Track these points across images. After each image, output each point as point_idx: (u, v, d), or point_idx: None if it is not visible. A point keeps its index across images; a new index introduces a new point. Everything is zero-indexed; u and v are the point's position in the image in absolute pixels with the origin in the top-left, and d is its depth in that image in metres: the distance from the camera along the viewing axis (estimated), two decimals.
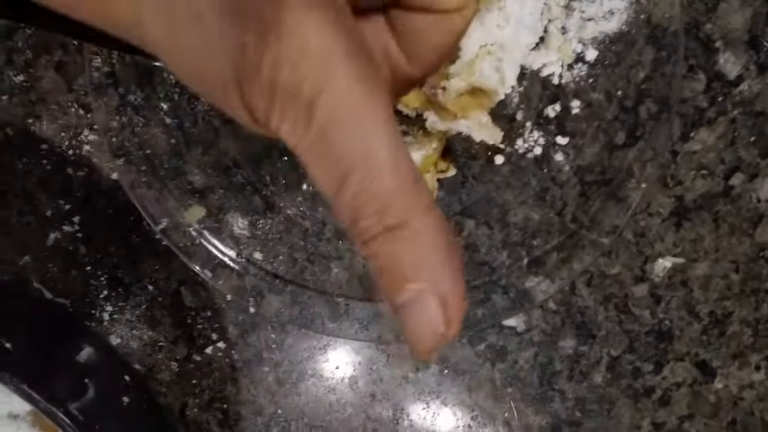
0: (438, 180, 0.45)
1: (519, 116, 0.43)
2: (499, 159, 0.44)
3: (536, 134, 0.43)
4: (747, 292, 0.47)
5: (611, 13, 0.41)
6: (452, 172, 0.44)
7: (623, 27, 0.41)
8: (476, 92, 0.37)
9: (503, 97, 0.39)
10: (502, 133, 0.41)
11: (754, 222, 0.46)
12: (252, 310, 0.46)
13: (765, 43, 0.44)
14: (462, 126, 0.39)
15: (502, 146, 0.44)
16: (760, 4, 0.44)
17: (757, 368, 0.48)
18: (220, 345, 0.49)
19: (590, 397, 0.49)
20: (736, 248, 0.46)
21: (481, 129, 0.38)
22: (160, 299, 0.49)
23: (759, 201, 0.45)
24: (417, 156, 0.41)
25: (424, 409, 0.50)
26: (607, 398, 0.49)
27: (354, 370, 0.49)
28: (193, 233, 0.44)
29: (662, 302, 0.47)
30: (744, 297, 0.47)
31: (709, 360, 0.48)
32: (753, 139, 0.45)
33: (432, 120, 0.39)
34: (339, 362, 0.50)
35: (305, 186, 0.45)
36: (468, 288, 0.44)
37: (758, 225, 0.46)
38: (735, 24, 0.45)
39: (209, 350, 0.49)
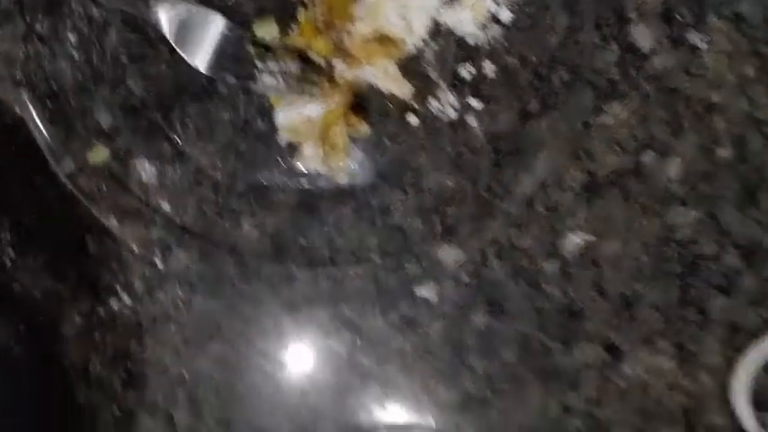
0: (351, 138, 0.43)
1: (433, 75, 0.42)
2: (413, 119, 0.42)
3: (450, 96, 0.42)
4: (657, 274, 0.46)
5: None
6: (365, 129, 0.43)
7: None
8: (383, 40, 0.36)
9: (413, 50, 0.38)
10: (412, 87, 0.40)
11: (665, 202, 0.45)
12: (159, 264, 0.44)
13: (679, 17, 0.43)
14: (368, 74, 0.38)
15: (415, 105, 0.42)
16: None
17: (666, 354, 0.47)
18: (126, 300, 0.48)
19: (499, 374, 0.48)
20: (646, 229, 0.46)
21: (388, 78, 0.37)
22: (64, 246, 0.47)
23: (669, 180, 0.45)
24: (321, 108, 0.39)
25: (334, 378, 0.49)
26: (516, 376, 0.48)
27: (264, 334, 0.48)
28: (100, 177, 0.42)
29: (572, 280, 0.46)
30: (653, 280, 0.46)
31: (619, 343, 0.47)
32: (664, 115, 0.44)
33: (340, 68, 0.38)
34: (248, 325, 0.48)
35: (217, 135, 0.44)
36: (381, 254, 0.43)
37: (668, 206, 0.45)
38: None
39: (114, 304, 0.48)
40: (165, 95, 0.44)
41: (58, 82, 0.42)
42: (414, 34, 0.37)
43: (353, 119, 0.43)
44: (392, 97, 0.41)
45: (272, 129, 0.44)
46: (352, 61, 0.38)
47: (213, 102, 0.44)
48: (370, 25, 0.36)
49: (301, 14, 0.40)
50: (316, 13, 0.39)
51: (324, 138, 0.41)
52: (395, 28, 0.37)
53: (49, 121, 0.42)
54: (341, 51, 0.38)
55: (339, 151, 0.41)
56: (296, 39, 0.40)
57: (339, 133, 0.41)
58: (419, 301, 0.48)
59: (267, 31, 0.41)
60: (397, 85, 0.38)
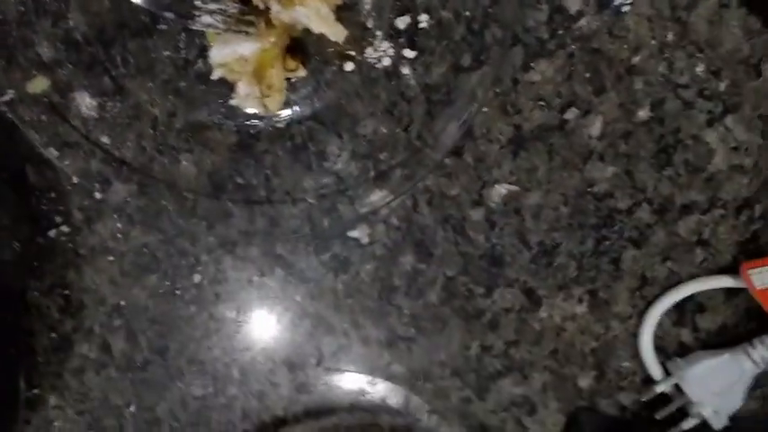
0: (288, 80, 0.44)
1: (370, 24, 0.43)
2: (349, 66, 0.44)
3: (386, 45, 0.44)
4: (574, 225, 0.48)
5: None
6: (302, 73, 0.44)
7: None
8: None
9: None
10: (345, 32, 0.41)
11: (585, 158, 0.47)
12: (98, 195, 0.45)
13: None
14: (301, 15, 0.39)
15: (352, 52, 0.44)
16: None
17: (580, 301, 0.50)
18: (64, 229, 0.49)
19: (424, 314, 0.50)
20: (566, 182, 0.48)
21: (320, 20, 0.38)
22: (4, 175, 0.47)
23: (590, 137, 0.47)
24: (255, 47, 0.40)
25: (267, 313, 0.50)
26: (440, 317, 0.50)
27: (200, 268, 0.50)
28: (40, 108, 0.43)
29: (496, 228, 0.49)
30: (571, 230, 0.49)
31: (536, 288, 0.50)
32: (588, 75, 0.46)
33: (275, 9, 0.39)
34: (185, 259, 0.49)
35: (157, 72, 0.45)
36: (316, 196, 0.44)
37: (588, 161, 0.47)
38: None
39: (52, 233, 0.49)
40: (106, 30, 0.45)
41: (0, 12, 0.42)
42: None
43: (290, 61, 0.44)
44: (328, 42, 0.42)
45: (212, 69, 0.45)
46: (286, 3, 0.39)
47: (154, 39, 0.45)
48: None
49: None
50: None
51: (259, 78, 0.42)
52: None
53: None
54: None
55: (275, 92, 0.42)
56: None
57: (275, 75, 0.42)
58: (351, 242, 0.50)
59: None
60: (329, 28, 0.39)
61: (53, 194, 0.49)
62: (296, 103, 0.46)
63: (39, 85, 0.42)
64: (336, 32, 0.40)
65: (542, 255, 0.50)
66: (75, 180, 0.46)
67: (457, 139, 0.44)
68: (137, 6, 0.42)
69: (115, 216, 0.49)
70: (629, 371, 0.52)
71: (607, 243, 0.50)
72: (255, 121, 0.46)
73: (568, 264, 0.50)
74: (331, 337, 0.51)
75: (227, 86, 0.46)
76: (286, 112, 0.46)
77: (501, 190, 0.49)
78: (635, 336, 0.51)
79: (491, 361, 0.51)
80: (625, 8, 0.46)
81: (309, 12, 0.38)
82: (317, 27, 0.39)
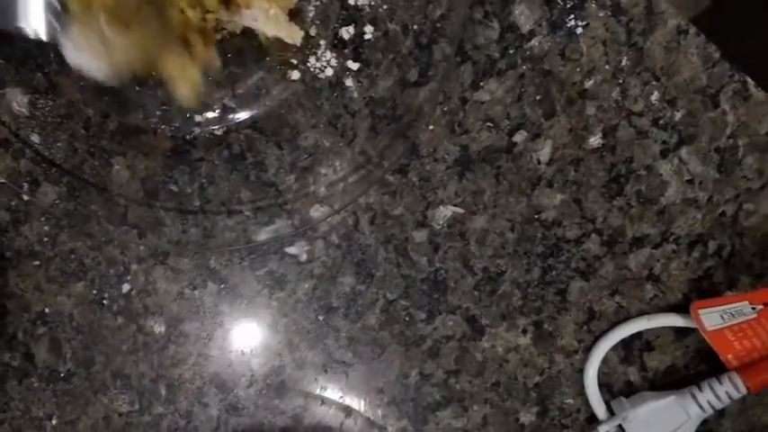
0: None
1: (313, 32, 0.43)
2: (294, 75, 0.44)
3: (329, 54, 0.44)
4: (520, 253, 0.48)
5: None
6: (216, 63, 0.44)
7: None
8: None
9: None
10: (302, 32, 0.41)
11: (533, 183, 0.48)
12: (25, 197, 0.45)
13: (559, 1, 0.45)
14: (250, 19, 0.39)
15: (294, 60, 0.44)
16: None
17: (524, 332, 0.50)
18: None
19: (362, 338, 0.50)
20: (513, 207, 0.48)
21: (269, 22, 0.38)
22: None
23: (539, 162, 0.47)
24: None
25: (197, 328, 0.50)
26: (379, 341, 0.50)
27: (129, 278, 0.49)
28: None
29: (440, 251, 0.49)
30: (516, 258, 0.49)
31: (479, 317, 0.50)
32: (539, 97, 0.46)
33: (224, 15, 0.39)
34: (113, 267, 0.49)
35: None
36: (253, 208, 0.44)
37: (536, 187, 0.48)
38: None
39: None
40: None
41: None
42: None
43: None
44: (271, 48, 0.42)
45: (149, 71, 0.45)
46: (234, 7, 0.39)
47: None
48: None
49: None
50: None
51: None
52: None
53: None
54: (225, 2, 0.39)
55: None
56: None
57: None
58: (288, 259, 0.50)
59: None
60: (283, 31, 0.39)
61: None
62: (234, 110, 0.46)
63: None
64: (292, 34, 0.40)
65: (486, 281, 0.50)
66: (1, 180, 0.46)
67: (402, 156, 0.44)
68: None
69: (43, 219, 0.49)
70: (573, 408, 0.51)
71: (554, 273, 0.50)
72: (192, 127, 0.46)
73: (513, 292, 0.50)
74: (264, 357, 0.50)
75: (164, 90, 0.45)
76: (224, 120, 0.46)
77: (446, 212, 0.49)
78: (580, 372, 0.51)
79: (430, 391, 0.51)
80: (578, 30, 0.46)
81: (258, 14, 0.38)
82: (270, 30, 0.39)
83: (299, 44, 0.42)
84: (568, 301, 0.50)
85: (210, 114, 0.46)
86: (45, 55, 0.45)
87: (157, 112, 0.46)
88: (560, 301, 0.50)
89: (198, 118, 0.46)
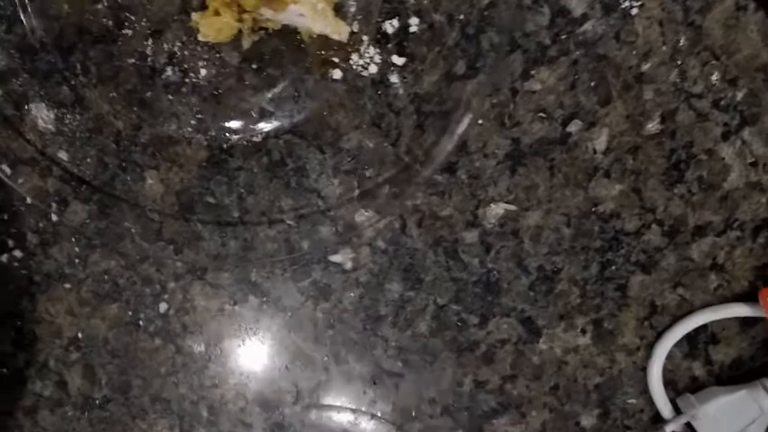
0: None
1: (356, 28, 0.42)
2: (336, 74, 0.42)
3: (372, 50, 0.42)
4: (577, 248, 0.47)
5: None
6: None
7: None
8: None
9: None
10: (348, 28, 0.40)
11: (589, 174, 0.46)
12: (54, 217, 0.43)
13: None
14: (296, 15, 0.37)
15: (336, 59, 0.42)
16: None
17: (583, 332, 0.48)
18: (17, 254, 0.47)
19: (413, 347, 0.48)
20: (569, 201, 0.46)
21: (318, 17, 0.37)
22: None
23: (595, 152, 0.46)
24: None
25: (239, 346, 0.48)
26: (430, 349, 0.48)
27: (166, 296, 0.48)
28: None
29: (492, 251, 0.47)
30: (573, 254, 0.47)
31: (535, 318, 0.48)
32: (593, 84, 0.45)
33: (268, 16, 0.38)
34: (149, 286, 0.48)
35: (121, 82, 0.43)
36: (294, 217, 0.42)
37: (593, 178, 0.46)
38: None
39: (3, 258, 0.47)
40: (65, 36, 0.43)
41: None
42: None
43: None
44: (311, 47, 0.40)
45: (182, 78, 0.43)
46: (279, 4, 0.37)
47: (118, 45, 0.43)
48: None
49: None
50: None
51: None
52: None
53: None
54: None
55: None
56: None
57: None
58: (333, 268, 0.49)
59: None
60: (331, 26, 0.38)
61: (5, 216, 0.47)
62: (273, 115, 0.44)
63: None
64: (339, 30, 0.39)
65: (542, 281, 0.48)
66: (29, 200, 0.46)
67: (450, 154, 0.43)
68: (99, 9, 0.41)
69: (73, 239, 0.47)
70: (635, 408, 0.50)
71: (613, 268, 0.48)
72: (229, 135, 0.44)
73: (570, 291, 0.48)
74: (310, 372, 0.49)
75: (199, 97, 0.44)
76: (262, 125, 0.44)
77: (497, 210, 0.47)
78: (643, 370, 0.50)
79: (485, 398, 0.50)
80: (634, 11, 0.45)
81: (305, 9, 0.37)
82: (317, 26, 0.38)
83: (345, 40, 0.41)
84: (629, 296, 0.49)
85: (248, 120, 0.44)
86: (71, 67, 0.44)
87: (192, 121, 0.45)
88: (620, 296, 0.49)
89: (235, 124, 0.44)
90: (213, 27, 0.41)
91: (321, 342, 0.49)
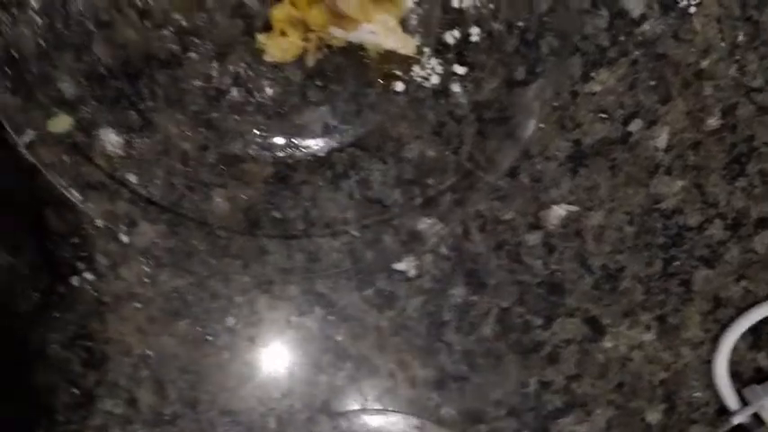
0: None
1: (417, 40, 0.43)
2: (399, 86, 0.43)
3: (434, 62, 0.44)
4: (640, 246, 0.48)
5: None
6: None
7: None
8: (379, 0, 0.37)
9: (411, 5, 0.38)
10: (415, 42, 0.41)
11: (651, 172, 0.47)
12: (124, 238, 0.45)
13: None
14: (367, 33, 0.38)
15: (399, 72, 0.43)
16: None
17: (647, 328, 0.49)
18: (88, 276, 0.48)
19: (477, 350, 0.49)
20: (631, 199, 0.47)
21: (389, 34, 0.38)
22: (22, 220, 0.47)
23: (656, 150, 0.47)
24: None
25: (306, 356, 0.50)
26: (495, 352, 0.49)
27: (234, 311, 0.49)
28: (61, 148, 0.43)
29: (555, 253, 0.48)
30: (636, 252, 0.48)
31: (599, 317, 0.49)
32: (653, 83, 0.46)
33: (337, 34, 0.39)
34: (217, 302, 0.49)
35: (187, 104, 0.44)
36: (358, 227, 0.43)
37: (654, 175, 0.47)
38: None
39: (74, 281, 0.48)
40: (132, 62, 0.44)
41: (18, 49, 0.42)
42: None
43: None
44: (373, 62, 0.42)
45: (247, 98, 0.44)
46: (350, 23, 0.39)
47: (183, 69, 0.45)
48: None
49: None
50: None
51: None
52: None
53: (9, 89, 0.42)
54: (336, 16, 0.39)
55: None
56: (288, 11, 0.40)
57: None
58: (396, 276, 0.50)
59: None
60: (399, 40, 0.39)
61: (75, 239, 0.48)
62: (336, 129, 0.45)
63: (61, 123, 0.42)
64: (407, 45, 0.40)
65: (606, 280, 0.49)
66: (99, 223, 0.46)
67: (513, 158, 0.44)
68: (165, 35, 0.42)
69: (142, 259, 0.48)
70: (701, 402, 0.51)
71: (676, 264, 0.49)
72: (293, 151, 0.46)
73: (634, 288, 0.49)
74: (375, 380, 0.50)
75: (264, 115, 0.45)
76: (326, 140, 0.46)
77: (560, 211, 0.48)
78: (708, 363, 0.51)
79: (551, 398, 0.51)
80: (692, 9, 0.46)
81: (378, 27, 0.38)
82: (388, 42, 0.39)
83: (413, 54, 0.42)
84: (693, 291, 0.50)
85: (311, 136, 0.46)
86: (138, 92, 0.45)
87: (257, 139, 0.46)
88: (684, 291, 0.50)
89: (299, 140, 0.46)
90: (279, 47, 0.41)
91: (386, 349, 0.50)
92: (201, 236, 0.46)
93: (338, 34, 0.39)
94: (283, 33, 0.41)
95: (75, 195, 0.44)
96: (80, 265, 0.49)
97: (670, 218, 0.48)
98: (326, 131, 0.46)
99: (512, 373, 0.50)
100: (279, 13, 0.41)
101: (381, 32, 0.38)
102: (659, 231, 0.48)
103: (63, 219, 0.48)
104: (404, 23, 0.43)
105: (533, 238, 0.48)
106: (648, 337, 0.49)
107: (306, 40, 0.41)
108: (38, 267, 0.49)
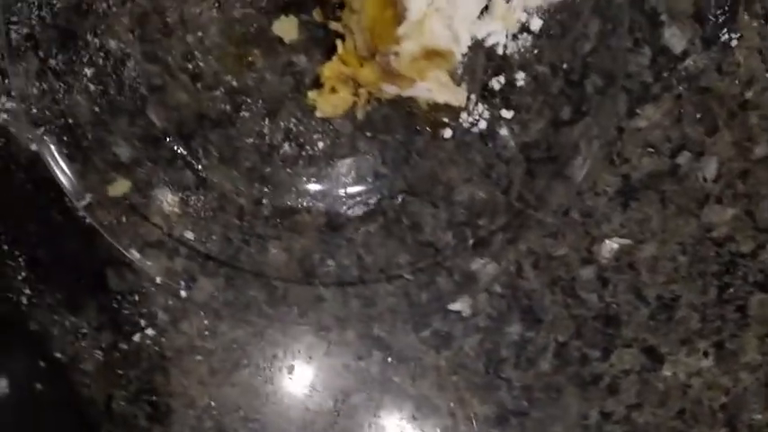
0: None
1: (463, 87, 0.44)
2: (447, 133, 0.45)
3: (480, 107, 0.45)
4: (694, 275, 0.49)
5: None
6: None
7: None
8: (430, 55, 0.38)
9: (459, 58, 0.40)
10: (465, 93, 0.42)
11: (701, 202, 0.48)
12: (183, 294, 0.46)
13: (711, 17, 0.45)
14: (422, 89, 0.40)
15: (446, 119, 0.45)
16: None
17: (705, 354, 0.50)
18: (149, 332, 0.50)
19: (537, 385, 0.50)
20: (682, 229, 0.48)
21: (442, 89, 0.40)
22: (83, 281, 0.49)
23: (705, 180, 0.47)
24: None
25: (366, 399, 0.51)
26: (554, 386, 0.50)
27: (293, 359, 0.50)
28: (119, 210, 0.44)
29: (609, 285, 0.49)
30: (691, 280, 0.49)
31: (657, 346, 0.50)
32: (699, 116, 0.47)
33: (390, 90, 0.40)
34: (276, 350, 0.50)
35: (241, 161, 0.46)
36: (412, 271, 0.45)
37: (705, 205, 0.48)
38: None
39: (136, 338, 0.50)
40: (185, 124, 0.46)
41: (74, 116, 0.43)
42: (461, 44, 0.40)
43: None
44: (426, 117, 0.43)
45: (299, 151, 0.46)
46: (404, 81, 0.40)
47: (236, 127, 0.46)
48: (417, 42, 0.38)
49: (339, 46, 0.42)
50: (357, 42, 0.41)
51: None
52: (442, 40, 0.39)
53: (66, 156, 0.43)
54: (389, 74, 0.40)
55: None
56: (338, 68, 0.42)
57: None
58: (452, 316, 0.51)
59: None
60: (451, 94, 0.41)
61: (136, 297, 0.50)
62: (386, 176, 0.47)
63: (119, 188, 0.44)
64: (459, 97, 0.41)
65: (661, 309, 0.50)
66: (158, 280, 0.47)
67: (562, 196, 0.45)
68: (216, 96, 0.43)
69: (202, 313, 0.50)
70: (762, 423, 0.52)
71: (731, 290, 0.50)
72: (346, 200, 0.47)
73: (690, 316, 0.50)
74: (436, 419, 0.51)
75: (316, 167, 0.46)
76: (377, 187, 0.47)
77: (612, 245, 0.49)
78: (767, 385, 0.50)
79: (612, 428, 0.52)
80: (733, 42, 0.46)
81: (432, 84, 0.39)
82: (441, 97, 0.41)
83: (463, 105, 0.43)
84: (749, 315, 0.50)
85: (363, 184, 0.47)
86: (193, 152, 0.46)
87: (310, 191, 0.47)
88: (740, 317, 0.50)
89: (351, 190, 0.47)
90: (330, 104, 0.43)
91: (445, 388, 0.51)
92: (258, 287, 0.47)
93: (391, 91, 0.40)
94: (333, 90, 0.42)
95: (133, 255, 0.45)
96: (142, 322, 0.50)
97: (723, 245, 0.49)
98: (377, 179, 0.47)
99: (572, 405, 0.50)
100: (329, 71, 0.42)
101: (435, 88, 0.40)
102: (712, 259, 0.49)
103: (123, 278, 0.50)
104: (451, 73, 0.44)
105: (587, 273, 0.49)
106: (707, 363, 0.50)
107: (356, 94, 0.43)
108: (100, 327, 0.50)
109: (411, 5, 0.37)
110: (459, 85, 0.44)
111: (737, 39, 0.46)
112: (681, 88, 0.46)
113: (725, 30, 0.47)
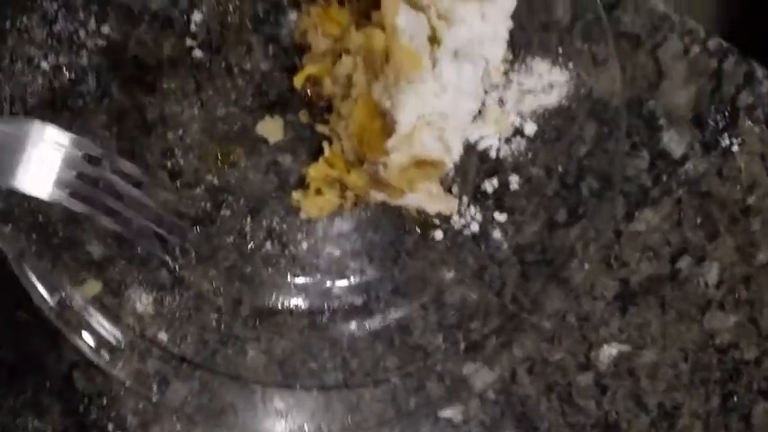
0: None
1: (455, 190, 0.44)
2: (438, 234, 0.45)
3: (473, 209, 0.45)
4: (697, 382, 0.48)
5: (551, 86, 0.43)
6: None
7: (563, 101, 0.43)
8: (421, 164, 0.38)
9: (451, 166, 0.40)
10: (456, 200, 0.42)
11: (702, 308, 0.48)
12: (155, 398, 0.45)
13: (711, 122, 0.46)
14: (412, 200, 0.40)
15: (437, 222, 0.44)
16: (704, 81, 0.47)
17: None
18: None
19: None
20: (684, 335, 0.48)
21: (433, 200, 0.40)
22: (48, 383, 0.48)
23: (707, 285, 0.47)
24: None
25: None
26: None
27: None
28: (88, 311, 0.44)
29: (608, 392, 0.48)
30: (693, 388, 0.48)
31: None
32: (699, 220, 0.47)
33: (380, 197, 0.40)
34: None
35: (220, 260, 0.45)
36: (400, 375, 0.44)
37: (706, 311, 0.48)
38: (678, 101, 0.47)
39: None
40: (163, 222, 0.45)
41: (44, 214, 0.43)
42: (452, 153, 0.40)
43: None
44: (415, 216, 0.43)
45: (282, 251, 0.46)
46: (394, 191, 0.40)
47: (216, 226, 0.46)
48: (407, 154, 0.38)
49: (326, 149, 0.42)
50: (344, 147, 0.41)
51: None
52: (433, 152, 0.39)
53: (34, 254, 0.43)
54: (377, 183, 0.40)
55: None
56: (325, 170, 0.42)
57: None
58: (443, 423, 0.50)
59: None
60: (442, 204, 0.41)
61: (104, 400, 0.49)
62: (374, 277, 0.46)
63: (90, 290, 0.43)
64: (450, 206, 0.41)
65: (663, 417, 0.49)
66: (128, 383, 0.46)
67: (558, 299, 0.44)
68: (197, 194, 0.43)
69: (174, 418, 0.49)
70: None
71: (735, 398, 0.49)
72: (330, 301, 0.46)
73: (693, 425, 0.50)
74: None
75: (299, 267, 0.46)
76: (363, 288, 0.46)
77: (610, 350, 0.49)
78: None
79: None
80: (734, 148, 0.47)
81: (422, 196, 0.39)
82: (432, 208, 0.40)
83: (454, 213, 0.43)
84: (753, 425, 0.50)
85: (348, 285, 0.46)
86: (169, 252, 0.46)
87: (293, 291, 0.47)
88: (744, 427, 0.50)
89: (336, 290, 0.46)
90: (315, 205, 0.43)
91: None
92: (235, 391, 0.46)
93: (380, 198, 0.40)
94: (319, 191, 0.42)
95: (103, 358, 0.44)
96: (109, 426, 0.49)
97: (726, 352, 0.48)
98: (363, 278, 0.46)
99: None
100: (315, 172, 0.42)
101: (426, 199, 0.39)
102: (715, 367, 0.48)
103: (91, 379, 0.49)
104: (442, 178, 0.44)
105: (584, 379, 0.49)
106: None
107: (342, 197, 0.42)
108: (66, 430, 0.49)
109: (401, 119, 0.37)
110: (450, 186, 0.44)
111: (739, 144, 0.46)
112: (680, 192, 0.47)
113: (725, 134, 0.47)
